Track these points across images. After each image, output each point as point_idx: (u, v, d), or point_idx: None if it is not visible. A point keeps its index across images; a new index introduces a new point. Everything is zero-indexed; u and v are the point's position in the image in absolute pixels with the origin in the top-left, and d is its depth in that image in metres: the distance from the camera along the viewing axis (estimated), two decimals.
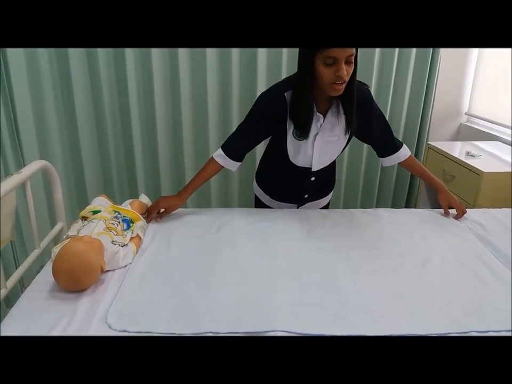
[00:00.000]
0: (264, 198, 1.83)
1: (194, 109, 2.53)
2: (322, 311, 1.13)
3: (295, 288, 1.23)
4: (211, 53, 2.39)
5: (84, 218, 1.43)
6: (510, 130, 2.57)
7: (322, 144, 1.57)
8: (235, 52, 2.40)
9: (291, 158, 1.61)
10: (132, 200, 1.63)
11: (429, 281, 1.27)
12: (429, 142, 2.66)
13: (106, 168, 2.57)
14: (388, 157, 1.71)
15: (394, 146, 1.69)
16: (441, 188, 1.72)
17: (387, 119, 2.68)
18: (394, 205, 3.00)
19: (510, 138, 2.57)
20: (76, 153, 2.46)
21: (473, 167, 2.17)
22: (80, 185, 2.54)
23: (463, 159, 2.29)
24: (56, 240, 1.67)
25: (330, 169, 1.72)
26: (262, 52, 2.40)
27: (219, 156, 1.62)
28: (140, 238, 1.46)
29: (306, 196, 1.77)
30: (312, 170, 1.65)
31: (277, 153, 1.63)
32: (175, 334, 1.04)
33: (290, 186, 1.73)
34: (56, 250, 1.24)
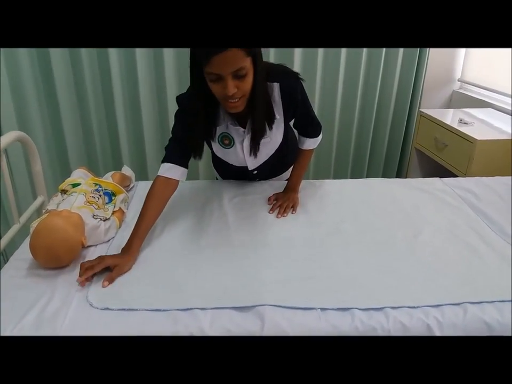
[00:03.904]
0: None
1: (179, 76, 2.43)
2: (312, 284, 1.10)
3: (284, 262, 1.20)
4: None
5: (63, 191, 1.37)
6: (504, 96, 2.51)
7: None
8: None
9: (224, 159, 1.51)
10: (113, 172, 1.57)
11: (421, 253, 1.24)
12: (421, 110, 2.61)
13: (89, 140, 2.48)
14: (302, 137, 1.56)
15: (311, 132, 1.53)
16: (289, 187, 1.57)
17: (378, 86, 2.65)
18: (385, 174, 2.97)
19: (503, 105, 2.52)
20: (57, 125, 2.36)
21: (466, 134, 2.13)
22: (63, 158, 2.45)
23: (455, 127, 2.24)
24: (38, 215, 1.61)
25: (278, 154, 1.53)
26: None
27: (167, 170, 1.31)
28: (123, 211, 1.41)
29: (257, 180, 1.68)
30: (249, 169, 1.54)
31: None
32: (160, 309, 1.01)
33: (236, 175, 1.65)
34: (34, 225, 1.18)
